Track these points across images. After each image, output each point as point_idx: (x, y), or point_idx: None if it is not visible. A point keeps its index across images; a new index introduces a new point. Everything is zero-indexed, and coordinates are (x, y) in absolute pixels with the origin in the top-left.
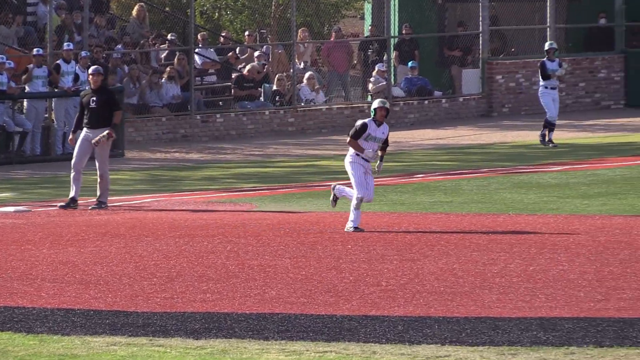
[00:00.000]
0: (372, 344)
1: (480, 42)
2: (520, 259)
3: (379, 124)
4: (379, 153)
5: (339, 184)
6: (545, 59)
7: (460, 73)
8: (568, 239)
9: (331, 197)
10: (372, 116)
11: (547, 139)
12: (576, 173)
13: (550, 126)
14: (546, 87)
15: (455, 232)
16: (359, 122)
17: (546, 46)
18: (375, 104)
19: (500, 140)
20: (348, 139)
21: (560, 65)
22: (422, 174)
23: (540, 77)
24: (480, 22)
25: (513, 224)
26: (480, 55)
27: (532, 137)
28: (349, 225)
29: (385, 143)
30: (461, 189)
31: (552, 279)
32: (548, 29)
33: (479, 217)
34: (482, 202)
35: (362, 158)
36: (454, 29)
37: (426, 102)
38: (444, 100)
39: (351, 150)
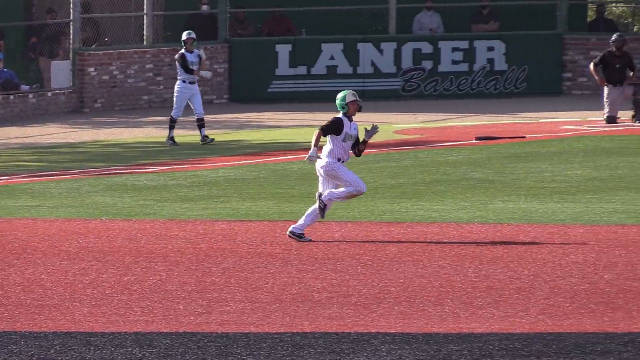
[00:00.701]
0: None
1: (71, 31)
2: (114, 269)
3: (350, 120)
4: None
5: (326, 191)
6: (183, 50)
7: (50, 65)
8: (166, 247)
9: (318, 208)
10: (342, 111)
11: (169, 137)
12: (175, 174)
13: (172, 124)
14: (184, 82)
15: (43, 240)
16: (332, 119)
17: (184, 36)
18: (350, 96)
19: (92, 139)
20: (317, 130)
21: (199, 57)
22: (6, 175)
23: (179, 70)
24: (72, 10)
25: (106, 230)
26: (71, 46)
27: (127, 134)
28: (296, 229)
29: (358, 142)
30: (50, 192)
31: (149, 290)
32: (145, 16)
33: (70, 222)
34: (73, 207)
35: (338, 159)
36: (43, 17)
37: (12, 97)
38: (31, 95)
39: (327, 155)
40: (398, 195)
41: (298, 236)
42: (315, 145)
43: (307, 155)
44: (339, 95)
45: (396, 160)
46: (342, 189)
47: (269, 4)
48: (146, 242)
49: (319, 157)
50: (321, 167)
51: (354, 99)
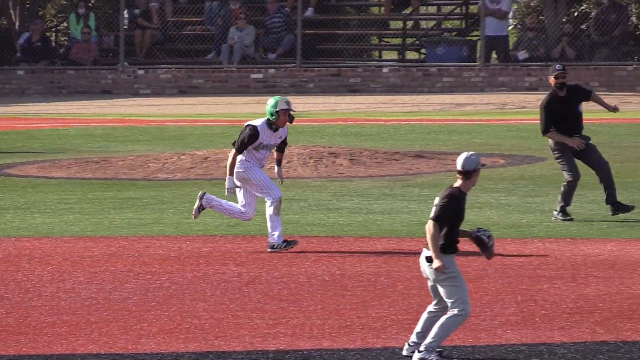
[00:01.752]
0: None
1: None
2: None
3: (275, 129)
4: (275, 155)
5: (207, 193)
6: None
7: None
8: None
9: (196, 206)
10: (270, 118)
11: None
12: None
13: None
14: None
15: None
16: (246, 129)
17: None
18: (282, 104)
19: None
20: (232, 151)
21: None
22: None
23: None
24: None
25: None
26: None
27: None
28: (275, 242)
29: (284, 143)
30: None
31: None
32: None
33: None
34: None
35: (255, 158)
36: None
37: None
38: None
39: (239, 165)
40: None
41: (286, 244)
42: (230, 173)
43: (225, 189)
44: (270, 102)
45: None
46: (230, 207)
47: None
48: None
49: (238, 187)
50: (236, 173)
51: (287, 107)
